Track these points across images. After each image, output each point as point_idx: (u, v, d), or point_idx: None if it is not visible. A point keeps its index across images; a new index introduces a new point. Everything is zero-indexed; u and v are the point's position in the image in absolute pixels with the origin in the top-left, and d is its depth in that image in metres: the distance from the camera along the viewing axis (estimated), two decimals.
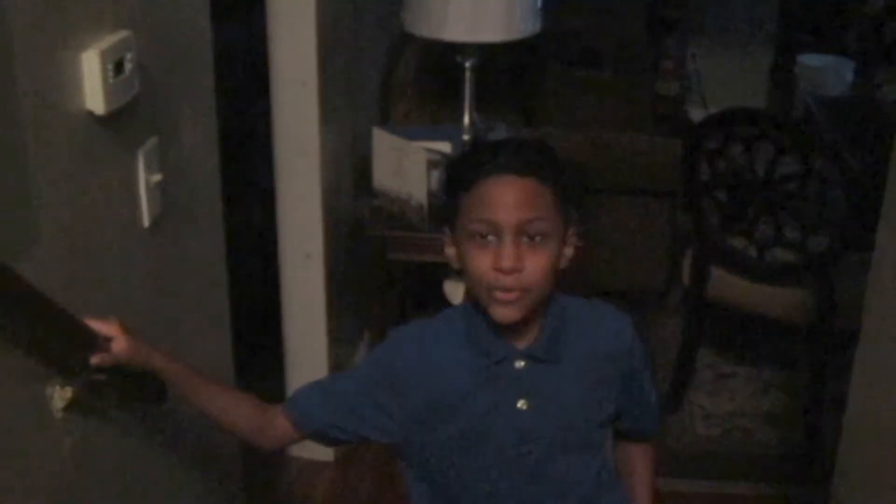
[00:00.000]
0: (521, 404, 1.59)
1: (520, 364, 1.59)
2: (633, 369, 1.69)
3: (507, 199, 1.47)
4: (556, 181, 1.51)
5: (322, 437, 1.70)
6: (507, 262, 1.47)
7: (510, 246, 1.47)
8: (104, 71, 1.49)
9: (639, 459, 1.84)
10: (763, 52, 5.81)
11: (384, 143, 3.12)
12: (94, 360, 1.47)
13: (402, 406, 1.62)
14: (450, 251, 1.59)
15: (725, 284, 3.25)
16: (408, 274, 3.65)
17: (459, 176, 1.54)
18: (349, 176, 3.25)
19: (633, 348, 1.69)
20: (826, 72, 5.18)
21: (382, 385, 1.62)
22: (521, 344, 1.59)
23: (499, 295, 1.50)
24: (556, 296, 1.62)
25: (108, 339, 1.48)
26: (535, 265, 1.49)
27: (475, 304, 1.58)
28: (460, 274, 1.60)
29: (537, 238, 1.49)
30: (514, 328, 1.56)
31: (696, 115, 4.94)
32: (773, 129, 3.11)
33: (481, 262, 1.49)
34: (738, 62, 5.73)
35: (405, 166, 3.05)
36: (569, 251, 1.57)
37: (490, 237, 1.48)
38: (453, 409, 1.59)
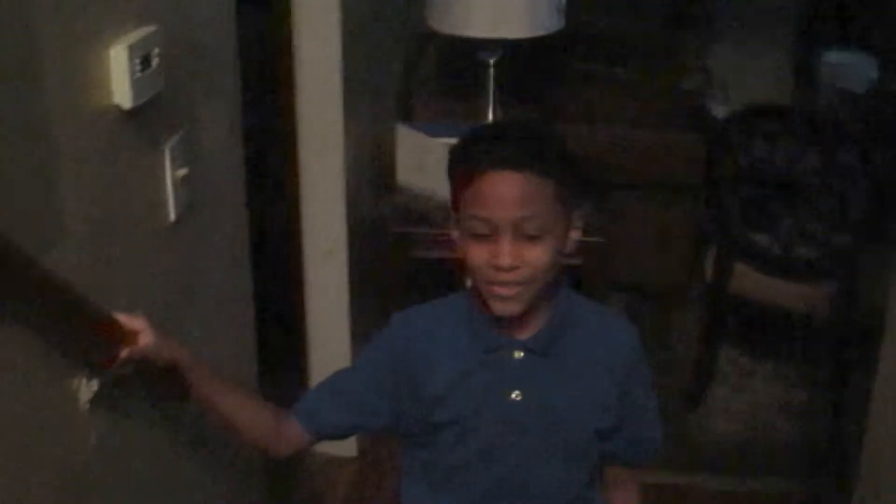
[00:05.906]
0: (514, 395, 1.57)
1: (518, 354, 1.57)
2: (630, 384, 1.63)
3: (504, 196, 1.44)
4: (556, 171, 1.47)
5: (325, 435, 1.69)
6: (504, 261, 1.45)
7: (507, 244, 1.45)
8: (131, 65, 1.50)
9: (620, 485, 1.75)
10: (786, 48, 5.78)
11: (408, 140, 3.13)
12: (123, 353, 1.47)
13: (403, 389, 1.61)
14: (454, 234, 1.57)
15: (748, 280, 3.24)
16: (431, 271, 3.65)
17: (458, 167, 1.51)
18: (372, 173, 3.25)
19: (635, 364, 1.64)
20: (850, 68, 5.15)
21: (386, 369, 1.62)
22: (522, 334, 1.57)
23: (498, 290, 1.49)
24: (565, 290, 1.60)
25: (135, 333, 1.48)
26: (534, 260, 1.47)
27: (477, 290, 1.56)
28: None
29: (535, 233, 1.46)
30: (515, 319, 1.54)
31: (718, 111, 4.92)
32: (797, 124, 3.10)
33: (479, 256, 1.48)
34: (760, 58, 5.69)
35: (429, 163, 3.06)
36: (575, 234, 1.54)
37: (487, 233, 1.46)
38: (450, 393, 1.58)
